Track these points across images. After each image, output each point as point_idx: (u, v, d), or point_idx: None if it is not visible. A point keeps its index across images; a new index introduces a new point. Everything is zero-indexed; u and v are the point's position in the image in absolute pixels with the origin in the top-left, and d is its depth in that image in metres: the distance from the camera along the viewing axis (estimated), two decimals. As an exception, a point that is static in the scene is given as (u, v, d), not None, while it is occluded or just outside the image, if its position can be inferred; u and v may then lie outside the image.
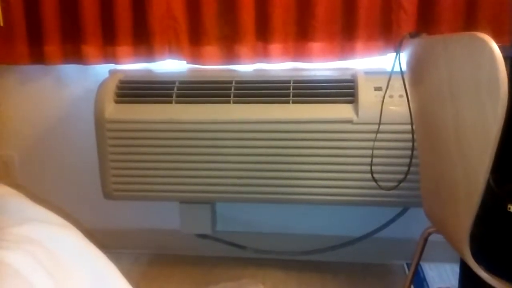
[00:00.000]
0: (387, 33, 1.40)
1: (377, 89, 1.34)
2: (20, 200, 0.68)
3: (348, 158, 1.34)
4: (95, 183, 1.65)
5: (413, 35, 1.01)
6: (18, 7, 1.50)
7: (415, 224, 1.58)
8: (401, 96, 1.31)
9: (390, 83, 1.24)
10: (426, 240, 1.10)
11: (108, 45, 1.50)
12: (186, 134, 1.38)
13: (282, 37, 1.43)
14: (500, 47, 0.68)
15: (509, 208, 0.86)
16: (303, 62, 1.45)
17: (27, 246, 0.54)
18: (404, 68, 1.08)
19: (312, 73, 1.42)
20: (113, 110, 1.42)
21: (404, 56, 1.06)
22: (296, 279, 1.55)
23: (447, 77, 0.82)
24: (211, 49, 1.46)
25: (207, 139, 1.38)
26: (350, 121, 1.32)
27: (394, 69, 1.11)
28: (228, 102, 1.39)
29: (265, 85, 1.40)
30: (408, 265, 1.58)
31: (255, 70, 1.47)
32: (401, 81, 1.09)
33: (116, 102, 1.44)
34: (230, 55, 1.46)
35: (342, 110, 1.34)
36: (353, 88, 1.36)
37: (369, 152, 1.31)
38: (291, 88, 1.38)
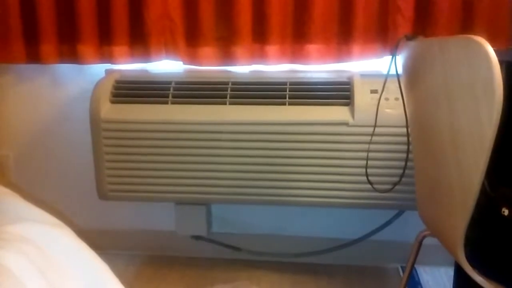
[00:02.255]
0: (383, 35, 1.40)
1: (373, 91, 1.34)
2: (14, 199, 0.68)
3: (344, 160, 1.34)
4: (90, 184, 1.65)
5: (409, 38, 1.02)
6: (14, 6, 1.49)
7: (410, 227, 1.58)
8: (396, 99, 1.31)
9: (386, 85, 1.24)
10: (420, 243, 1.10)
11: (105, 45, 1.50)
12: (182, 135, 1.38)
13: (279, 39, 1.43)
14: (496, 51, 0.68)
15: (504, 212, 0.86)
16: (299, 64, 1.45)
17: (20, 245, 0.54)
18: (400, 71, 1.08)
19: (309, 75, 1.43)
20: (109, 110, 1.42)
21: (400, 58, 1.06)
22: (291, 281, 1.54)
23: (443, 80, 0.83)
24: (207, 50, 1.46)
25: (203, 140, 1.37)
26: (345, 124, 1.32)
27: (390, 72, 1.12)
28: (224, 103, 1.39)
29: (262, 87, 1.40)
30: (403, 268, 1.58)
31: (251, 72, 1.47)
32: (397, 84, 1.09)
33: (112, 102, 1.44)
34: (227, 56, 1.46)
35: (338, 112, 1.34)
36: (349, 91, 1.36)
37: (364, 154, 1.32)
38: (287, 89, 1.38)
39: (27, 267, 0.51)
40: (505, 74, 0.70)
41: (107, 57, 1.50)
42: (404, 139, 1.18)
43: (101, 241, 1.74)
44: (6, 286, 0.47)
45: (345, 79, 1.39)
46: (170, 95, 1.42)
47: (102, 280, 0.61)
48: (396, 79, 1.09)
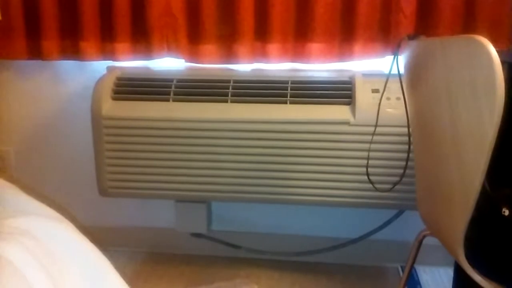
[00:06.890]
0: (385, 35, 1.40)
1: (375, 91, 1.34)
2: (14, 193, 0.68)
3: (345, 160, 1.34)
4: (91, 180, 1.65)
5: (411, 37, 1.02)
6: (16, 2, 1.50)
7: (410, 226, 1.58)
8: (398, 98, 1.31)
9: (388, 85, 1.24)
10: (420, 242, 1.10)
11: (106, 41, 1.50)
12: (183, 132, 1.38)
13: (281, 38, 1.43)
14: (497, 51, 0.68)
15: (504, 212, 0.86)
16: (301, 62, 1.45)
17: (21, 238, 0.54)
18: (401, 70, 1.08)
19: (310, 74, 1.43)
20: (110, 107, 1.42)
21: (402, 58, 1.06)
22: (290, 280, 1.55)
23: (445, 79, 0.83)
24: (209, 48, 1.46)
25: (204, 138, 1.38)
26: (347, 123, 1.32)
27: (392, 71, 1.12)
28: (226, 101, 1.39)
29: (263, 85, 1.40)
30: (403, 268, 1.58)
31: (253, 70, 1.47)
32: (399, 84, 1.09)
33: (113, 99, 1.44)
34: (229, 54, 1.46)
35: (339, 112, 1.34)
36: (350, 90, 1.36)
37: (365, 154, 1.32)
38: (288, 88, 1.38)
39: (28, 259, 0.51)
40: (506, 74, 0.70)
41: (109, 54, 1.50)
42: (405, 138, 1.18)
43: (100, 238, 1.74)
44: (7, 278, 0.47)
45: (346, 78, 1.39)
46: (172, 93, 1.42)
47: (103, 273, 0.61)
48: (397, 78, 1.09)
